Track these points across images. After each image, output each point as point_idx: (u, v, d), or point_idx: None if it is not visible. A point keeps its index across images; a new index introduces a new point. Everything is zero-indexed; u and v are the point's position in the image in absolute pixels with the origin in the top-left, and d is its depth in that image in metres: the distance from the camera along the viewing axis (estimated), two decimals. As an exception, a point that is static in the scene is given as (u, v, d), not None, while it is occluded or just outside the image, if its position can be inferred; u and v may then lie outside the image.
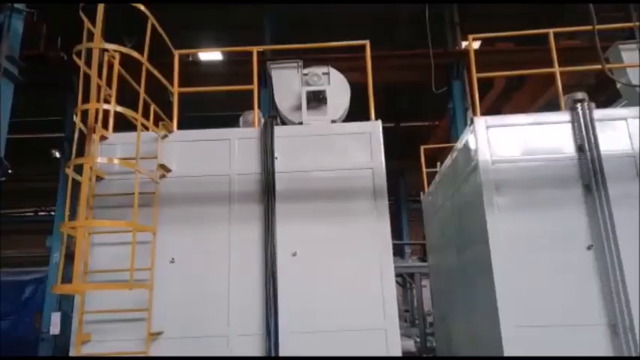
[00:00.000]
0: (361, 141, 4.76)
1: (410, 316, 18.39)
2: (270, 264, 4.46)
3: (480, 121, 4.68)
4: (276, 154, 4.74)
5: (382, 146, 4.73)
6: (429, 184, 7.69)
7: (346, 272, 4.49)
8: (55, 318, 12.64)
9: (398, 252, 19.04)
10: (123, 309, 4.39)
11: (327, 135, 4.82)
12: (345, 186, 4.68)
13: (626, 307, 4.10)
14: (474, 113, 4.82)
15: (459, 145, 5.31)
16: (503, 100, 14.42)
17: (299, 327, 4.39)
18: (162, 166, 4.67)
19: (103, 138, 4.78)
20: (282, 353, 4.28)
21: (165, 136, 4.87)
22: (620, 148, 4.47)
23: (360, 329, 4.35)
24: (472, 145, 4.77)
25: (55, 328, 12.68)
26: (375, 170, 4.68)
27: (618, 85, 5.26)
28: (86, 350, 4.31)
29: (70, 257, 3.98)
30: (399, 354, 4.30)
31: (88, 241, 4.52)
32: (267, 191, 4.64)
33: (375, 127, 4.78)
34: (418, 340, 15.89)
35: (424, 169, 8.08)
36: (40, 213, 24.76)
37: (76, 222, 3.85)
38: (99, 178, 4.74)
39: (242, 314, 4.42)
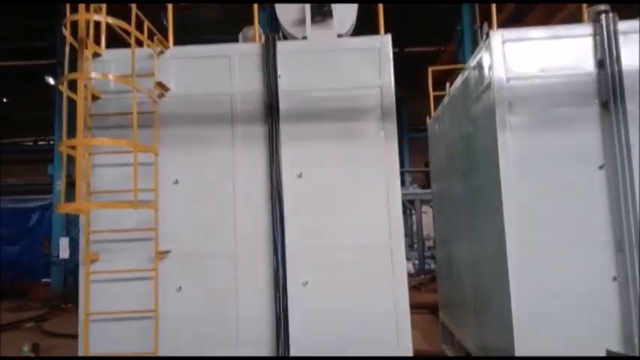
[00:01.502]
0: (369, 57, 4.51)
1: (409, 240, 18.91)
2: (275, 185, 4.40)
3: (496, 36, 4.39)
4: (279, 72, 4.51)
5: (392, 63, 4.49)
6: (435, 109, 7.48)
7: (352, 192, 4.45)
8: (64, 242, 12.99)
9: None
10: (129, 228, 4.40)
11: (333, 51, 4.55)
12: (352, 105, 4.51)
13: (634, 225, 4.08)
14: (490, 27, 4.51)
15: (472, 62, 5.05)
16: (513, 24, 13.76)
17: (305, 246, 4.41)
18: (160, 85, 4.47)
19: (96, 55, 4.52)
20: (289, 270, 4.34)
21: (162, 52, 4.62)
22: (642, 63, 4.23)
23: (366, 248, 4.38)
24: (486, 62, 4.52)
25: (64, 252, 13.10)
26: (383, 89, 4.48)
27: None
28: (95, 268, 4.37)
29: (72, 184, 3.91)
30: (404, 272, 4.37)
31: (89, 162, 4.43)
32: (271, 111, 4.47)
33: (384, 43, 4.51)
34: (417, 262, 16.47)
35: (431, 93, 7.81)
36: (40, 142, 24.69)
37: (74, 140, 3.72)
38: (95, 98, 4.55)
39: (249, 234, 4.44)
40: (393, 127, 4.50)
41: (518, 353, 4.06)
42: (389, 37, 4.52)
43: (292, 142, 4.49)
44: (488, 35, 4.44)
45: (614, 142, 4.18)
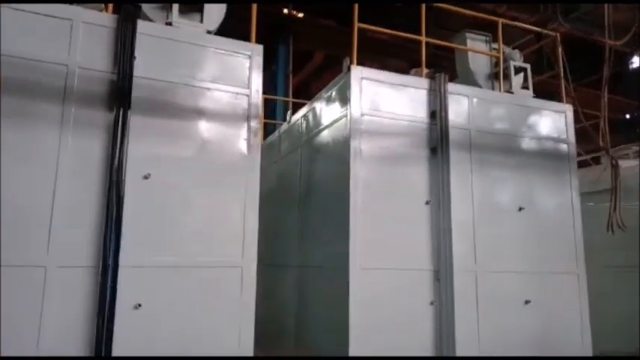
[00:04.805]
0: (240, 62, 4.24)
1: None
2: (115, 184, 3.62)
3: (357, 71, 4.72)
4: (135, 53, 3.84)
5: (261, 72, 4.32)
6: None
7: (206, 204, 3.99)
8: None
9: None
10: None
11: (202, 46, 4.12)
12: (216, 107, 4.12)
13: (449, 257, 4.74)
14: (351, 62, 4.81)
15: (326, 93, 5.28)
16: (314, 78, 15.06)
17: (143, 261, 3.70)
18: (-36, 30, 3.28)
19: None
20: (120, 291, 3.54)
21: (-28, -8, 3.43)
22: (460, 120, 5.11)
23: (214, 266, 3.93)
24: (344, 94, 4.79)
25: None
26: (251, 97, 4.25)
27: (458, 68, 6.01)
28: None
29: None
30: (253, 295, 4.04)
31: None
32: (121, 96, 3.72)
33: (256, 51, 4.32)
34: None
35: (262, 119, 7.82)
36: None
37: None
38: None
39: (69, 241, 3.49)
40: (257, 137, 4.27)
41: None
42: (261, 47, 4.36)
43: (142, 137, 3.81)
44: (349, 69, 4.72)
45: (438, 183, 4.86)
